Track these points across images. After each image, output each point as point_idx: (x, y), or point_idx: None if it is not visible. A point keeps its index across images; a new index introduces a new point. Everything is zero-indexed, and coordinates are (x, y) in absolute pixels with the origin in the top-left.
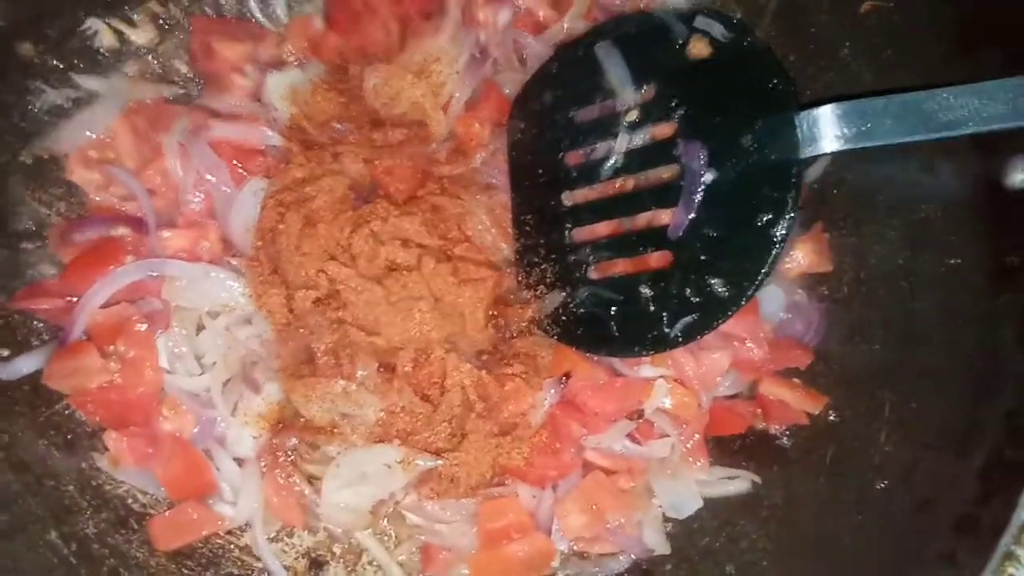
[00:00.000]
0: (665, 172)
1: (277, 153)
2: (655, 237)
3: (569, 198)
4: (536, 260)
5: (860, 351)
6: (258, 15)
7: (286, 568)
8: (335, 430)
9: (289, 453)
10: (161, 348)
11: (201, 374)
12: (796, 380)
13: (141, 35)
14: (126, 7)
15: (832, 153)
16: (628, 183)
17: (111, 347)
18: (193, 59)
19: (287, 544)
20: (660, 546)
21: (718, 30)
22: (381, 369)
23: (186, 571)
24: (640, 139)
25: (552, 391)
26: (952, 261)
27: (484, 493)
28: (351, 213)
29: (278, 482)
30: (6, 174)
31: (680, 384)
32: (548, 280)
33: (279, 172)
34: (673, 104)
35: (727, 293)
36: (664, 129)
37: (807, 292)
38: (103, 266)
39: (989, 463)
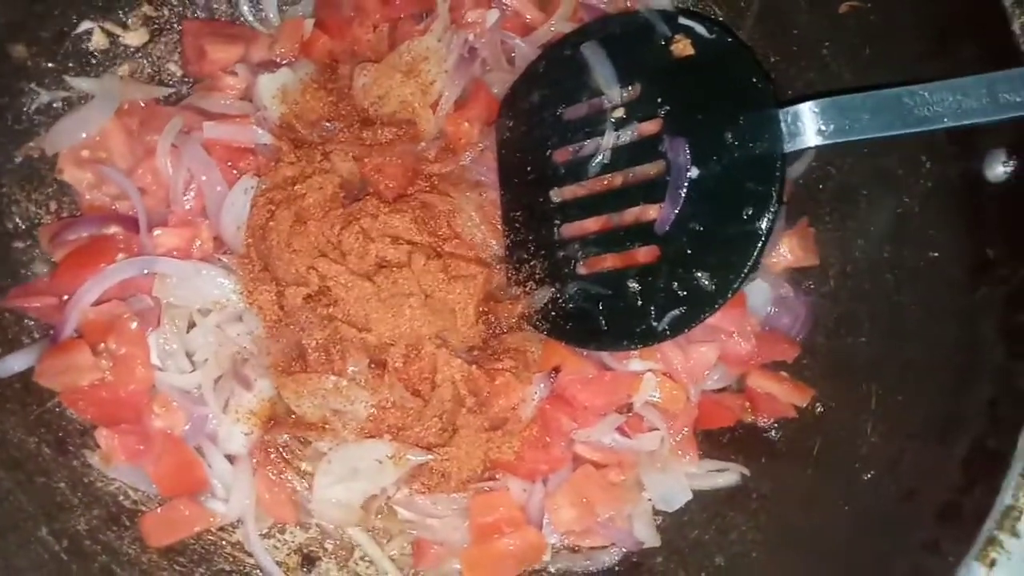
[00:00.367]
0: (651, 168)
1: (267, 152)
2: (642, 232)
3: (557, 195)
4: (525, 256)
5: (846, 344)
6: (249, 18)
7: (278, 564)
8: (326, 426)
9: (280, 449)
10: (152, 345)
11: (192, 371)
12: (783, 373)
13: (133, 37)
14: (119, 10)
15: (813, 148)
16: (615, 179)
17: (102, 345)
18: (185, 61)
19: (279, 540)
20: (650, 539)
21: (700, 30)
22: (372, 365)
23: (178, 567)
24: (626, 136)
25: (542, 385)
26: (933, 254)
27: (475, 487)
28: (341, 211)
29: (270, 478)
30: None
31: (669, 378)
32: (537, 276)
33: (270, 170)
34: (658, 102)
35: (714, 286)
36: (650, 126)
37: (793, 286)
38: (95, 264)
39: (972, 451)
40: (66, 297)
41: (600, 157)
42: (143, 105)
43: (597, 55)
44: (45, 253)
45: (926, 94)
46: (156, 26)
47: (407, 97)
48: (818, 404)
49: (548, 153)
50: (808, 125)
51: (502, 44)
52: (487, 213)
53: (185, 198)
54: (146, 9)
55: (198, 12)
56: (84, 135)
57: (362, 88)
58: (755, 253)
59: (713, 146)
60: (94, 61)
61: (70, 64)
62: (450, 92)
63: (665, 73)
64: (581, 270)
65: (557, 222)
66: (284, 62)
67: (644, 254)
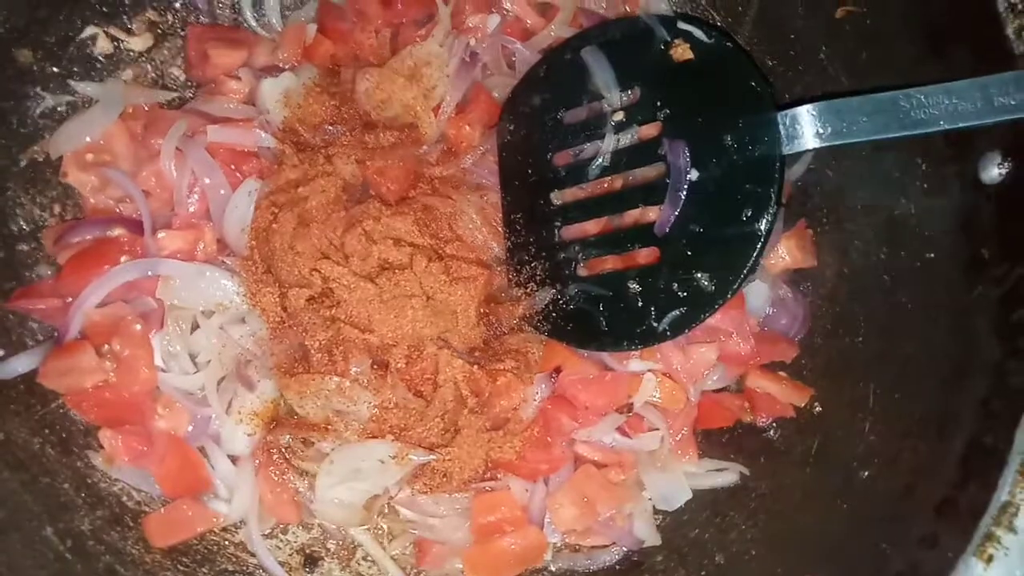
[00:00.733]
0: (651, 171)
1: (271, 155)
2: (642, 234)
3: (558, 197)
4: (526, 258)
5: (844, 344)
6: (252, 23)
7: (281, 564)
8: (329, 427)
9: (283, 450)
10: (156, 347)
11: (195, 373)
12: (782, 373)
13: (138, 42)
14: (124, 15)
15: (811, 150)
16: (615, 182)
17: (106, 347)
18: (188, 65)
19: (281, 540)
20: (651, 538)
21: (699, 34)
22: (374, 366)
23: (181, 568)
24: (626, 139)
25: (543, 386)
26: (929, 255)
27: (477, 487)
28: (343, 213)
29: (272, 479)
30: (4, 177)
31: (669, 378)
32: (538, 277)
33: (273, 173)
34: (658, 105)
35: (713, 287)
36: (649, 129)
37: (791, 287)
38: (99, 266)
39: (968, 448)
40: (70, 299)
41: (600, 160)
42: (147, 109)
43: (597, 59)
44: (49, 255)
45: (922, 97)
46: (160, 31)
47: (409, 101)
48: (816, 404)
49: (549, 156)
50: (806, 128)
51: (503, 49)
52: (488, 215)
53: (189, 201)
54: (150, 14)
55: (201, 17)
56: (88, 139)
57: (365, 92)
58: (754, 254)
59: (712, 149)
60: (99, 66)
61: (75, 69)
62: (451, 96)
63: (665, 77)
64: (582, 271)
65: (558, 224)
66: (287, 67)
67: (644, 256)
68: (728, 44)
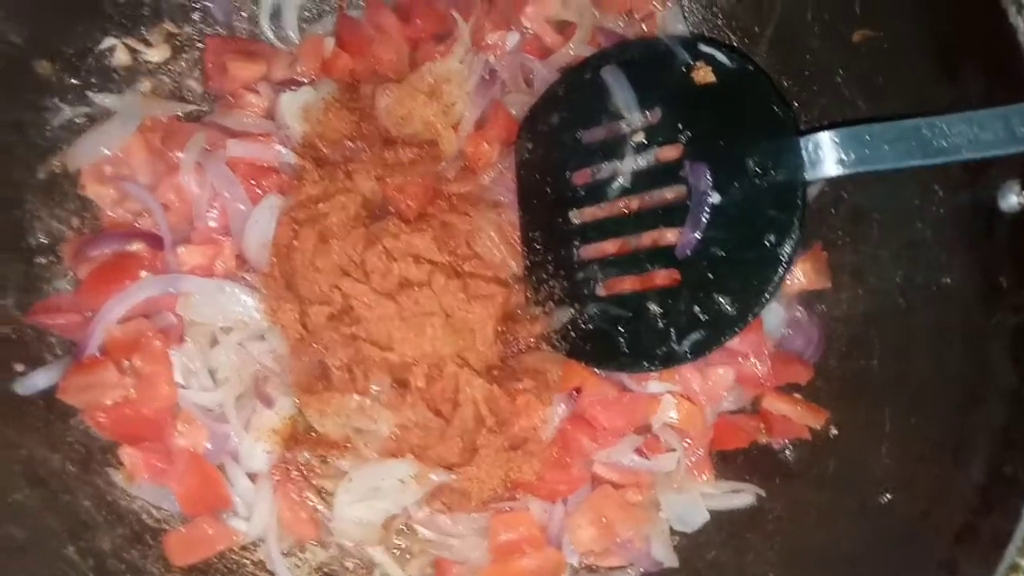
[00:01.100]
0: (672, 192)
1: (290, 170)
2: (663, 255)
3: (577, 216)
4: (545, 276)
5: (859, 367)
6: (270, 35)
7: None
8: (348, 445)
9: (301, 468)
10: (175, 363)
11: (214, 389)
12: (797, 395)
13: (155, 54)
14: (142, 27)
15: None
16: (635, 202)
17: (126, 362)
18: (206, 78)
19: (299, 559)
20: (668, 559)
21: (721, 57)
22: (394, 384)
23: None
24: (646, 160)
25: (562, 406)
26: (945, 280)
27: (496, 507)
28: (363, 230)
29: (290, 496)
30: (22, 190)
31: (686, 399)
32: (557, 296)
33: (293, 189)
34: (679, 127)
35: (734, 311)
36: (670, 151)
37: (807, 308)
38: (119, 281)
39: (988, 476)
40: (90, 314)
41: (620, 180)
42: (165, 121)
43: (617, 79)
44: (68, 269)
45: (944, 126)
46: (178, 43)
47: (429, 118)
48: (832, 426)
49: (567, 175)
50: (828, 154)
51: (521, 66)
52: (506, 233)
53: (208, 215)
54: (168, 26)
55: (219, 29)
56: (106, 151)
57: (385, 109)
58: (776, 279)
59: (734, 172)
60: (116, 77)
61: (93, 80)
62: (471, 113)
63: (686, 99)
64: (601, 291)
65: (576, 243)
66: (306, 80)
67: (664, 277)
68: (750, 68)
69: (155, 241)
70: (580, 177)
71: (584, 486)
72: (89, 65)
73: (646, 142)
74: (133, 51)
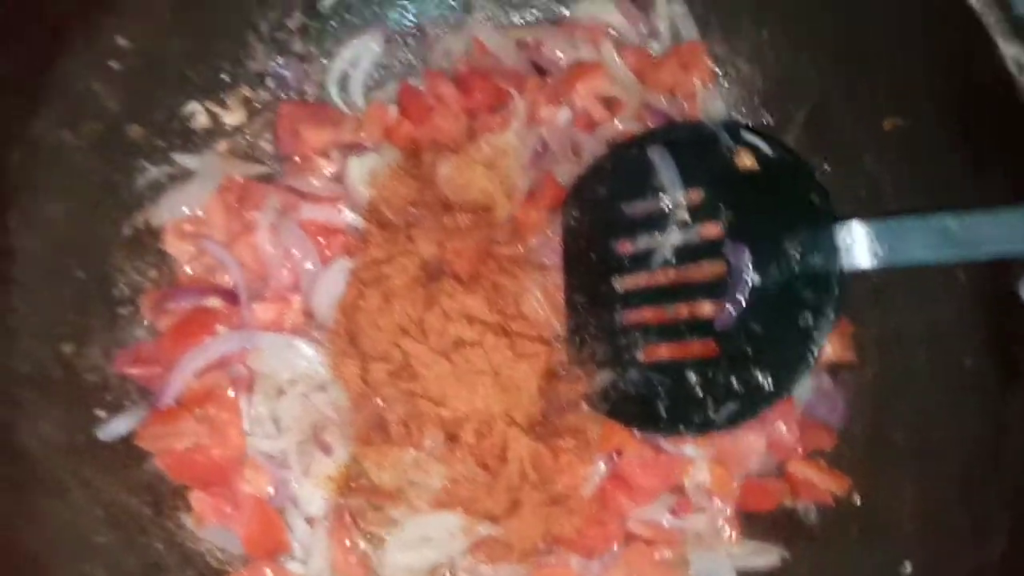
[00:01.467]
0: (712, 268)
1: (355, 232)
2: (702, 326)
3: (619, 283)
4: (587, 338)
5: (881, 437)
6: (337, 100)
7: None
8: (401, 494)
9: (353, 514)
10: (244, 412)
11: (278, 437)
12: (821, 461)
13: (232, 117)
14: (222, 92)
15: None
16: (677, 274)
17: (199, 410)
18: (278, 140)
19: None
20: None
21: (763, 147)
22: (446, 439)
23: None
24: (688, 235)
25: (604, 466)
26: (967, 362)
27: (536, 560)
28: (421, 290)
29: (343, 542)
30: (110, 245)
31: (718, 462)
32: (598, 358)
33: (358, 251)
34: (720, 208)
35: (770, 385)
36: (711, 229)
37: (832, 378)
38: (198, 335)
39: (1009, 558)
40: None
41: (662, 252)
42: (240, 181)
43: (663, 158)
44: (146, 319)
45: (974, 223)
46: (253, 107)
47: (486, 187)
48: (855, 493)
49: (611, 243)
50: (863, 246)
51: (570, 138)
52: (551, 295)
53: (281, 274)
54: (244, 91)
55: (291, 94)
56: (188, 210)
57: (445, 177)
58: (811, 359)
59: (773, 255)
60: (197, 139)
61: (176, 141)
62: (523, 183)
63: (728, 182)
64: (641, 356)
65: (618, 308)
66: (370, 145)
67: (704, 347)
68: (791, 158)
69: (230, 297)
70: (624, 246)
71: (619, 542)
72: (174, 128)
73: (688, 219)
74: (212, 114)
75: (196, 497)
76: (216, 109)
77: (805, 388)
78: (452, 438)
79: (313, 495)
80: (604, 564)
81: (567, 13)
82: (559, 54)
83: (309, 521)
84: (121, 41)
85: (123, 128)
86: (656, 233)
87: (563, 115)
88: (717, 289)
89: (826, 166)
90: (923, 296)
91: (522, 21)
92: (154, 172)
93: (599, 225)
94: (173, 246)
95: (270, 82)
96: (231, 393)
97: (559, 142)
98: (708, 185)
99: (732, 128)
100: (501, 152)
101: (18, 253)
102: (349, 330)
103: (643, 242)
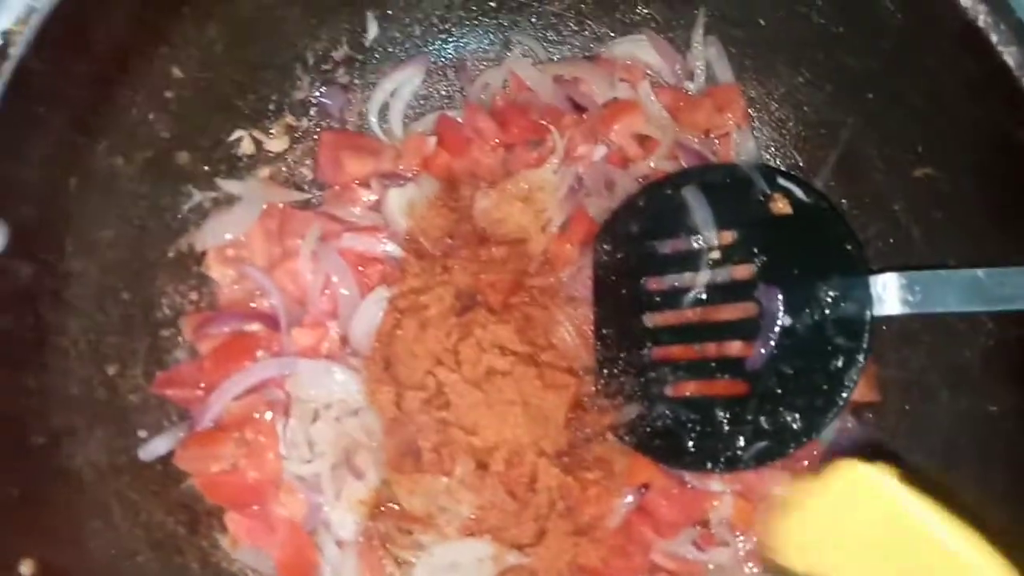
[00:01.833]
0: (744, 309)
1: (392, 261)
2: (732, 365)
3: (650, 320)
4: (615, 372)
5: (903, 480)
6: (376, 130)
7: None
8: (430, 520)
9: (382, 537)
10: (280, 436)
11: (311, 460)
12: None
13: (276, 144)
14: (267, 119)
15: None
16: (708, 313)
17: (237, 433)
18: (318, 168)
19: None
20: None
21: (798, 193)
22: (476, 468)
23: None
24: (720, 276)
25: (631, 498)
26: (991, 408)
27: None
28: (454, 320)
29: (371, 565)
30: (155, 268)
31: (742, 498)
32: (626, 392)
33: (396, 279)
34: (753, 250)
35: (798, 426)
36: (744, 270)
37: (855, 417)
38: (238, 360)
39: None
40: (203, 387)
41: (694, 291)
42: (281, 208)
43: (697, 198)
44: (187, 341)
45: (1004, 277)
46: (296, 134)
47: (523, 221)
48: None
49: (643, 280)
50: (895, 294)
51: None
52: (580, 327)
53: (320, 301)
54: (288, 119)
55: (332, 123)
56: (230, 236)
57: (482, 210)
58: (841, 403)
59: (805, 300)
60: (240, 165)
61: (221, 167)
62: (558, 218)
63: (761, 225)
64: (670, 392)
65: (648, 345)
66: (408, 175)
67: (733, 386)
68: (826, 205)
69: (270, 322)
70: (655, 284)
71: (643, 574)
72: (219, 154)
73: (721, 259)
74: (257, 141)
75: (231, 519)
76: (260, 136)
77: (830, 427)
78: (482, 466)
79: (345, 519)
80: None
81: (603, 51)
82: (596, 91)
83: (339, 544)
84: (176, 72)
85: (172, 154)
86: (687, 272)
87: (599, 152)
88: (747, 329)
89: (855, 210)
90: (948, 338)
91: (559, 58)
92: (199, 197)
93: (631, 261)
94: (215, 270)
95: (312, 111)
96: (269, 417)
97: (593, 177)
98: (741, 227)
99: (767, 172)
100: (538, 187)
101: (72, 276)
102: (385, 357)
103: (674, 280)
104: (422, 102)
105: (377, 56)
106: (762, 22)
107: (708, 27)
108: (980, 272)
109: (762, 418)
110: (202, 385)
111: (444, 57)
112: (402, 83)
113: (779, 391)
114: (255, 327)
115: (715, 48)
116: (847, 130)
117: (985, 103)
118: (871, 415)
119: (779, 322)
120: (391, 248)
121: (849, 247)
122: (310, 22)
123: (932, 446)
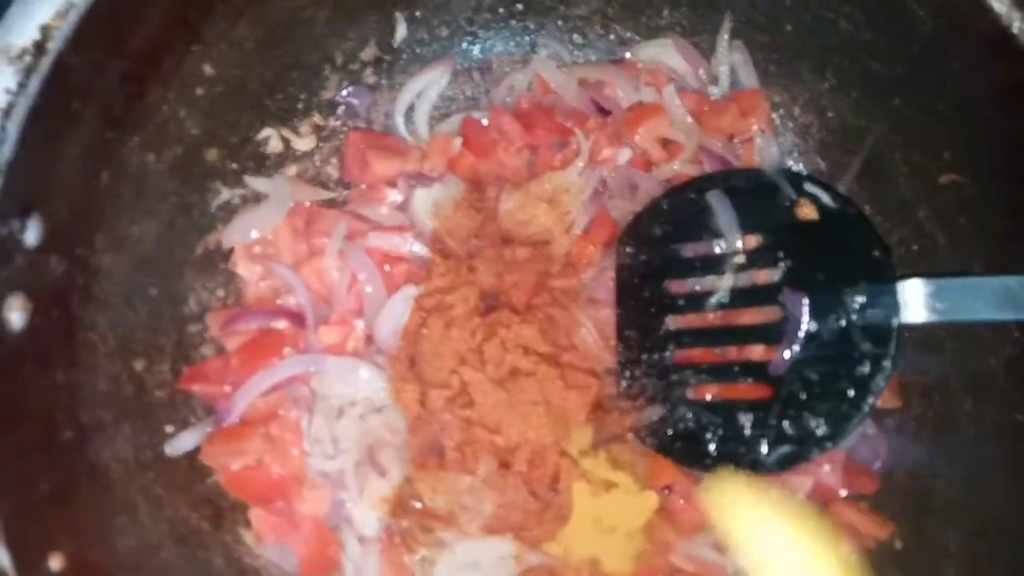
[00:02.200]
0: (768, 313)
1: (418, 261)
2: (756, 369)
3: (672, 322)
4: (637, 374)
5: (924, 486)
6: (402, 130)
7: None
8: (452, 518)
9: (404, 535)
10: (304, 432)
11: (335, 457)
12: (863, 504)
13: (303, 143)
14: (295, 118)
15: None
16: (731, 317)
17: (262, 429)
18: (344, 167)
19: None
20: None
21: (825, 198)
22: (499, 466)
23: None
24: (745, 280)
25: (655, 500)
26: (1017, 416)
27: None
28: (479, 320)
29: (393, 562)
30: (183, 265)
31: None
32: (648, 394)
33: (421, 279)
34: (779, 255)
35: (823, 432)
36: (768, 275)
37: (876, 423)
38: (266, 357)
39: None
40: (230, 385)
41: (718, 296)
42: (307, 206)
43: (722, 203)
44: (214, 338)
45: None
46: (323, 133)
47: (547, 223)
48: (896, 539)
49: (665, 282)
50: (923, 301)
51: (627, 176)
52: (602, 328)
53: (346, 299)
54: (316, 118)
55: (359, 122)
56: (257, 233)
57: (507, 211)
58: (866, 409)
59: (831, 306)
60: (268, 163)
61: (249, 165)
62: (581, 220)
63: (787, 230)
64: (692, 395)
65: (670, 347)
66: (434, 176)
67: (757, 390)
68: (853, 211)
69: (297, 319)
70: (677, 287)
71: (664, 575)
72: (248, 151)
73: (745, 264)
74: (285, 140)
75: (256, 515)
76: (288, 135)
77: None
78: (505, 465)
79: (367, 516)
80: None
81: (628, 55)
82: (620, 94)
83: (362, 541)
84: (207, 69)
85: (201, 151)
86: (710, 275)
87: (623, 155)
88: (771, 334)
89: (879, 216)
90: (973, 345)
91: (585, 61)
92: (227, 194)
93: (654, 264)
94: (243, 267)
95: (340, 110)
96: (294, 414)
97: (617, 180)
98: (766, 232)
99: (793, 178)
100: (563, 189)
101: (102, 272)
102: (410, 356)
103: (696, 283)
104: (448, 103)
105: (404, 57)
106: (788, 27)
107: (733, 32)
108: (1012, 280)
109: (785, 423)
110: (229, 381)
111: (470, 59)
112: (428, 84)
113: (803, 396)
114: (281, 324)
115: (740, 53)
116: (872, 136)
117: (1013, 109)
118: (892, 422)
119: (804, 327)
120: (417, 248)
121: (876, 253)
122: (339, 23)
123: (955, 453)
